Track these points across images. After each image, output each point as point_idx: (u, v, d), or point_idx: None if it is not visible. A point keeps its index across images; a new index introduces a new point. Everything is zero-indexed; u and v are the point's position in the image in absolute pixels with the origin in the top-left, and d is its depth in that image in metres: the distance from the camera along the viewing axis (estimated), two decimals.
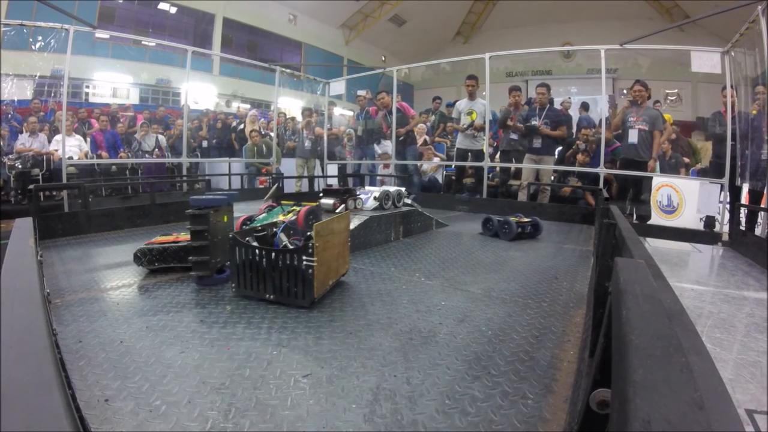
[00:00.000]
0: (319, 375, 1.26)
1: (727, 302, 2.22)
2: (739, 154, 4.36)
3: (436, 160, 6.90)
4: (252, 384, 1.20)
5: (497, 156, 6.21)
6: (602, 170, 4.96)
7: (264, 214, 2.78)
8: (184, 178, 6.93)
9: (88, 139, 6.77)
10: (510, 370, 1.31)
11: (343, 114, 10.07)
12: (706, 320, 1.94)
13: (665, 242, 4.08)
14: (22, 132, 6.17)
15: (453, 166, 6.58)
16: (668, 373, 0.41)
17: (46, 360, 0.47)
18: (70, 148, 5.90)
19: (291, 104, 10.91)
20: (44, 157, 5.98)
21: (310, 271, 1.76)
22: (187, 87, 6.23)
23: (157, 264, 2.33)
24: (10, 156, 5.84)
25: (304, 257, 1.76)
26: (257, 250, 1.85)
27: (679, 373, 0.41)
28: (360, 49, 17.45)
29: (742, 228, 4.07)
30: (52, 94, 6.99)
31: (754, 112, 4.29)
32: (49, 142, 6.19)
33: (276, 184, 6.24)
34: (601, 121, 5.35)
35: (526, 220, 3.73)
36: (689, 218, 4.45)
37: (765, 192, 4.17)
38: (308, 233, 1.94)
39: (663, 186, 4.66)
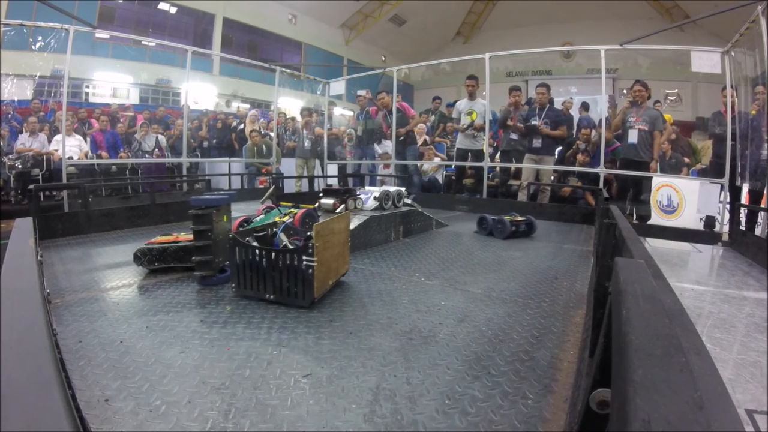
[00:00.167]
0: (319, 375, 1.26)
1: (727, 302, 2.22)
2: (739, 154, 4.36)
3: (437, 160, 6.90)
4: (252, 384, 1.20)
5: (497, 156, 6.21)
6: (602, 170, 4.96)
7: (262, 216, 2.78)
8: (184, 178, 6.93)
9: (88, 139, 6.77)
10: (510, 370, 1.31)
11: (343, 114, 10.07)
12: (706, 320, 1.94)
13: (665, 242, 4.08)
14: (22, 132, 6.17)
15: (453, 166, 6.58)
16: (668, 373, 0.41)
17: (46, 360, 0.47)
18: (70, 148, 5.89)
19: (291, 104, 10.91)
20: (44, 157, 5.98)
21: (310, 271, 1.76)
22: (187, 87, 6.23)
23: (157, 264, 2.33)
24: (10, 156, 5.84)
25: (304, 257, 1.76)
26: (257, 250, 1.85)
27: (679, 373, 0.41)
28: (360, 49, 17.44)
29: (742, 228, 4.07)
30: (52, 94, 7.00)
31: (754, 112, 4.29)
32: (49, 142, 6.19)
33: (273, 186, 6.24)
34: (601, 121, 5.35)
35: (520, 219, 3.79)
36: (689, 218, 4.45)
37: (765, 192, 4.17)
38: (308, 233, 1.94)
39: (663, 186, 4.66)
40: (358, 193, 3.38)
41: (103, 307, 1.81)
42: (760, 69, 4.03)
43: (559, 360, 1.39)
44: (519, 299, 2.02)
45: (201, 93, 10.72)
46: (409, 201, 3.73)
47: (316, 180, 7.49)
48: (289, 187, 7.06)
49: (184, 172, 6.96)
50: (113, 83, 10.92)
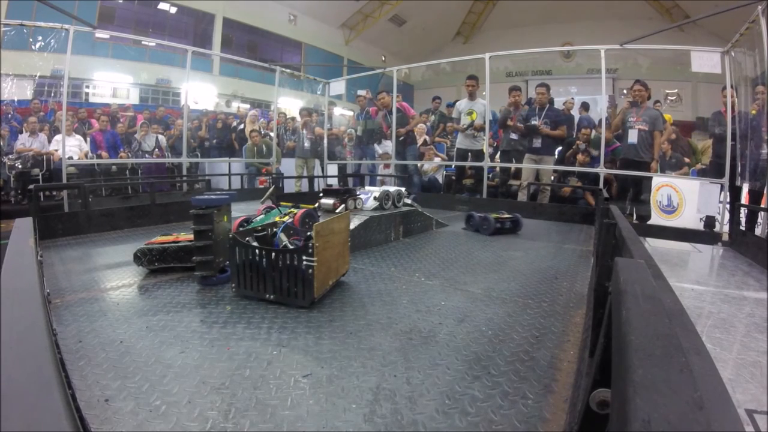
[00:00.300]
0: (319, 375, 1.26)
1: (727, 302, 2.22)
2: (739, 154, 4.36)
3: (437, 160, 6.90)
4: (252, 384, 1.20)
5: (497, 156, 6.21)
6: (602, 170, 4.96)
7: (262, 216, 2.78)
8: (184, 178, 6.93)
9: (88, 139, 6.77)
10: (510, 370, 1.31)
11: (343, 114, 10.08)
12: (706, 320, 1.94)
13: (665, 242, 4.08)
14: (22, 132, 6.17)
15: (453, 166, 6.58)
16: (668, 373, 0.41)
17: (46, 360, 0.47)
18: (70, 148, 5.90)
19: (291, 104, 10.91)
20: (44, 157, 5.98)
21: (310, 271, 1.76)
22: (187, 87, 6.23)
23: (157, 264, 2.33)
24: (10, 156, 5.84)
25: (304, 257, 1.76)
26: (257, 250, 1.85)
27: (679, 373, 0.41)
28: (360, 49, 17.45)
29: (742, 228, 4.07)
30: (52, 94, 7.01)
31: (754, 111, 4.29)
32: (49, 142, 6.20)
33: (273, 186, 6.24)
34: (601, 121, 5.35)
35: (506, 216, 3.88)
36: (689, 218, 4.45)
37: (765, 192, 4.17)
38: (308, 233, 1.94)
39: (663, 186, 4.66)
40: (358, 193, 3.38)
41: (103, 307, 1.81)
42: (760, 69, 4.03)
43: (559, 360, 1.39)
44: (519, 299, 2.02)
45: (201, 93, 10.73)
46: (409, 201, 3.74)
47: (316, 180, 7.49)
48: (289, 187, 7.06)
49: (184, 172, 6.96)
50: (113, 83, 10.92)
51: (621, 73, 12.72)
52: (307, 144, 7.33)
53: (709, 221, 4.44)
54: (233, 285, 1.93)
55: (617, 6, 14.25)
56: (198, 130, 8.29)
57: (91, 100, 10.04)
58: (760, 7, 3.73)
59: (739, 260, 3.37)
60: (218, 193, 2.52)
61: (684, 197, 4.49)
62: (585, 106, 7.55)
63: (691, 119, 11.29)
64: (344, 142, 7.95)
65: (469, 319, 1.74)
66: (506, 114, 5.77)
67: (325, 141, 7.46)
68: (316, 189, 7.01)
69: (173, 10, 12.66)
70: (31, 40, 6.49)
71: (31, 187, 3.32)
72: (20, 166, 5.77)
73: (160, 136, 7.53)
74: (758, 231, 4.13)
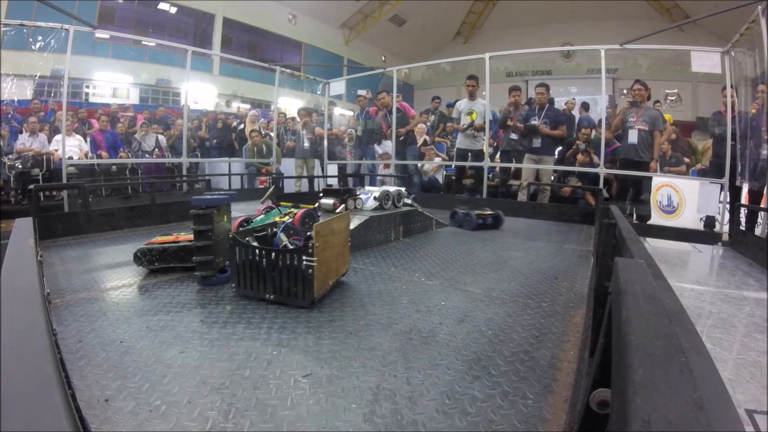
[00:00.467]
0: (319, 375, 1.26)
1: (727, 302, 2.22)
2: (739, 154, 4.36)
3: (438, 159, 6.90)
4: (252, 384, 1.20)
5: (497, 156, 6.21)
6: (602, 170, 4.96)
7: (262, 216, 2.78)
8: (184, 178, 6.93)
9: (88, 139, 6.77)
10: (510, 370, 1.31)
11: (343, 114, 10.07)
12: (706, 320, 1.94)
13: (665, 242, 4.08)
14: (22, 132, 6.17)
15: (453, 166, 6.58)
16: (668, 373, 0.41)
17: (46, 360, 0.47)
18: (70, 148, 5.89)
19: (291, 104, 10.91)
20: (44, 157, 5.98)
21: (310, 271, 1.76)
22: (187, 87, 6.23)
23: (157, 264, 2.33)
24: (10, 156, 5.84)
25: (304, 257, 1.76)
26: (257, 250, 1.85)
27: (679, 373, 0.41)
28: (360, 49, 17.45)
29: (742, 228, 4.07)
30: (52, 94, 7.00)
31: (754, 111, 4.29)
32: (49, 142, 6.19)
33: (273, 186, 6.24)
34: (600, 121, 5.35)
35: (488, 212, 4.19)
36: (689, 218, 4.45)
37: (765, 192, 4.17)
38: (308, 233, 1.94)
39: (663, 186, 4.66)
40: (358, 193, 3.38)
41: (103, 307, 1.81)
42: (760, 69, 4.03)
43: (559, 360, 1.39)
44: (519, 299, 2.02)
45: (201, 93, 10.72)
46: (409, 201, 3.74)
47: (316, 180, 7.49)
48: (289, 187, 7.06)
49: (184, 172, 6.96)
50: (113, 83, 10.92)
51: (621, 73, 12.71)
52: (306, 144, 7.33)
53: (709, 221, 4.44)
54: (233, 285, 1.93)
55: (617, 6, 14.25)
56: (198, 130, 8.28)
57: (91, 100, 10.04)
58: (760, 7, 3.73)
59: (739, 260, 3.36)
60: (218, 193, 2.52)
61: (684, 197, 4.49)
62: (585, 106, 7.54)
63: (691, 119, 11.28)
64: (344, 142, 7.94)
65: (469, 319, 1.74)
66: (506, 114, 5.77)
67: (325, 141, 7.46)
68: (316, 189, 7.01)
69: (173, 10, 12.67)
70: (31, 40, 6.48)
71: (31, 187, 3.32)
72: (20, 166, 5.77)
73: (160, 136, 7.52)
74: (758, 231, 4.13)
